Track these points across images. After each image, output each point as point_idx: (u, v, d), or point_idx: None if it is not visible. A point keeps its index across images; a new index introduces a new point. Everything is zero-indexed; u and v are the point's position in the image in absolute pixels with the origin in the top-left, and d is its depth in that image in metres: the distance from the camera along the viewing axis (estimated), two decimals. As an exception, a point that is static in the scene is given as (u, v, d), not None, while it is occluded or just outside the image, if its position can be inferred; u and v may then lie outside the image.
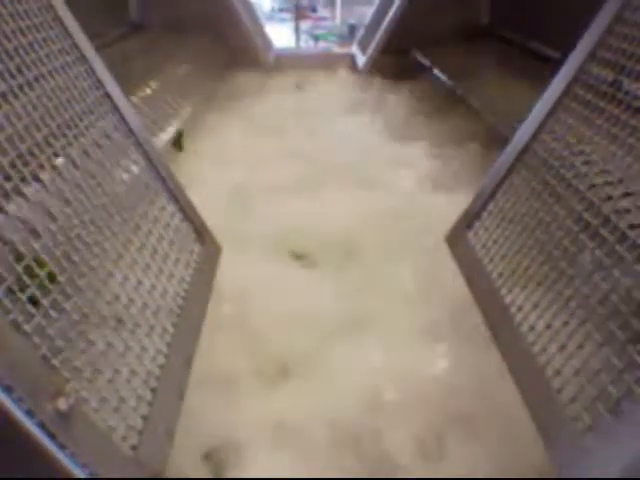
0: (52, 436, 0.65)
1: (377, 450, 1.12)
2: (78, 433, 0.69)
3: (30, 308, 0.75)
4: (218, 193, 2.04)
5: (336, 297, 1.55)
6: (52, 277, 0.82)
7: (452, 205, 1.59)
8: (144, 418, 0.86)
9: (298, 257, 1.77)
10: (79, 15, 1.23)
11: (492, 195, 1.34)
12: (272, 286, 1.57)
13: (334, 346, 1.37)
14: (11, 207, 0.82)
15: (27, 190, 0.86)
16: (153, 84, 2.16)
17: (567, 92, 1.21)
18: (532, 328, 1.02)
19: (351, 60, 3.70)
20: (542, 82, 1.34)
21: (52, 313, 0.78)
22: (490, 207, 1.34)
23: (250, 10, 3.47)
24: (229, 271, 1.46)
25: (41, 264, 0.81)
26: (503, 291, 1.15)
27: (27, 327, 0.72)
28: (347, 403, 1.21)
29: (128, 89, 1.33)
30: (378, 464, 1.10)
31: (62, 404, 0.67)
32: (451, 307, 1.42)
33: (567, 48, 1.28)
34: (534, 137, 1.28)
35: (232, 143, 2.56)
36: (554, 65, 1.36)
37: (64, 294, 0.83)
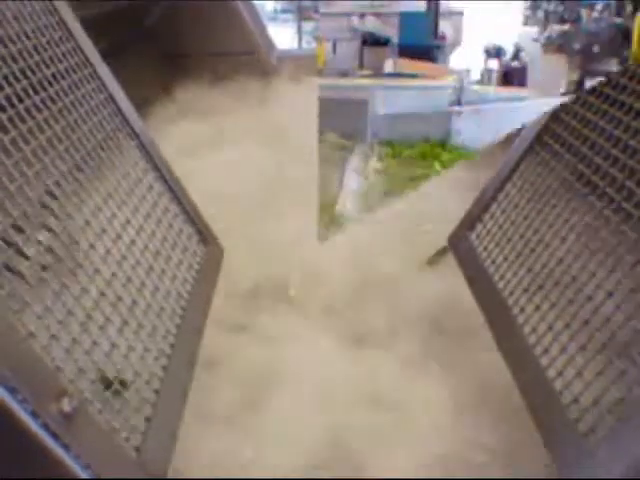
0: (56, 437, 0.65)
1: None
2: (82, 434, 0.70)
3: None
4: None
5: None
6: None
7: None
8: (147, 419, 0.87)
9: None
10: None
11: (494, 197, 1.34)
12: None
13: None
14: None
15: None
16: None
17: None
18: (534, 330, 1.02)
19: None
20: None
21: (57, 315, 0.79)
22: (492, 209, 1.34)
23: (252, 11, 3.47)
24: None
25: None
26: (505, 293, 1.15)
27: (32, 328, 0.72)
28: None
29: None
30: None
31: (66, 405, 0.68)
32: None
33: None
34: (537, 139, 1.28)
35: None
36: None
37: (70, 294, 0.84)
